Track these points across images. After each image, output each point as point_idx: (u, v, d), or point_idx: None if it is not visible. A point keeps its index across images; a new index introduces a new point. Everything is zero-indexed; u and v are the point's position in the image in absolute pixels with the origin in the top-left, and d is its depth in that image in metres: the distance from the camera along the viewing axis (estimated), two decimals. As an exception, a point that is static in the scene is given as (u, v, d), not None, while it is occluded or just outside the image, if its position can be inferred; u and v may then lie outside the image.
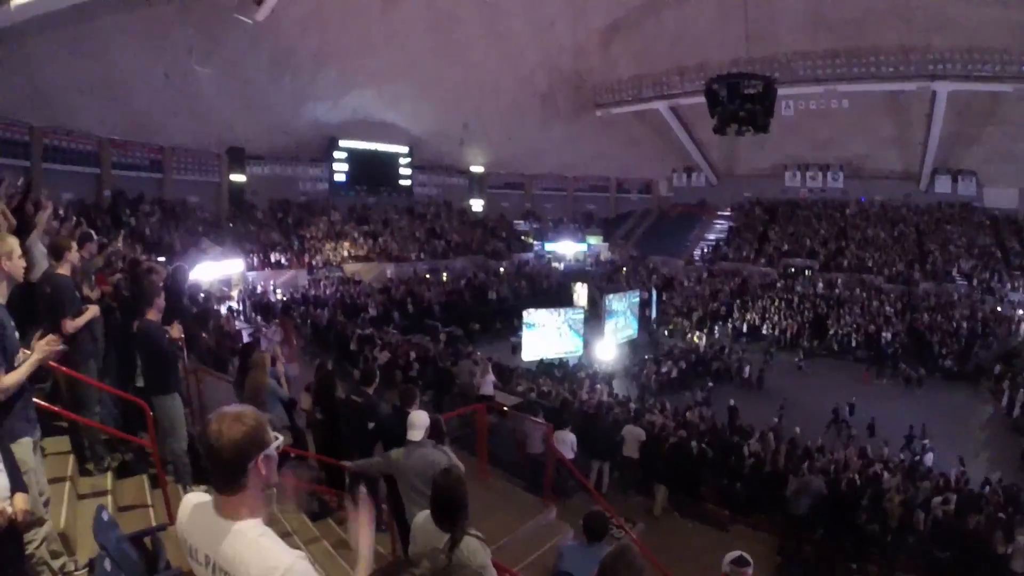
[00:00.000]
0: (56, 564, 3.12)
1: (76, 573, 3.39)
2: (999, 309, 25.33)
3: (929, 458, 15.04)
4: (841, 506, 9.73)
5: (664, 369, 22.35)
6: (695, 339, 27.12)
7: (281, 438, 1.83)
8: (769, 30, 27.03)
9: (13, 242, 3.27)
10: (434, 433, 4.96)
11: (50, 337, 3.20)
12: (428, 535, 3.18)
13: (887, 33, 26.28)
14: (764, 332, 27.38)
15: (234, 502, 1.72)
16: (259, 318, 21.33)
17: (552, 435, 9.10)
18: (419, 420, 4.64)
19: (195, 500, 1.87)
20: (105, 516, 3.26)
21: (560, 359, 22.74)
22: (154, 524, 4.10)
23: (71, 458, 4.43)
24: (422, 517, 3.29)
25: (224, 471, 1.69)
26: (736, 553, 3.83)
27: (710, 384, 21.29)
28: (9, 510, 2.45)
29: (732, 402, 17.59)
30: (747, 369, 22.87)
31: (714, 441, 12.33)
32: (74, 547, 3.64)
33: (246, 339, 13.59)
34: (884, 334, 25.00)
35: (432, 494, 3.21)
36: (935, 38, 25.30)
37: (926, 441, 16.04)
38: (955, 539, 9.08)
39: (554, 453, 8.74)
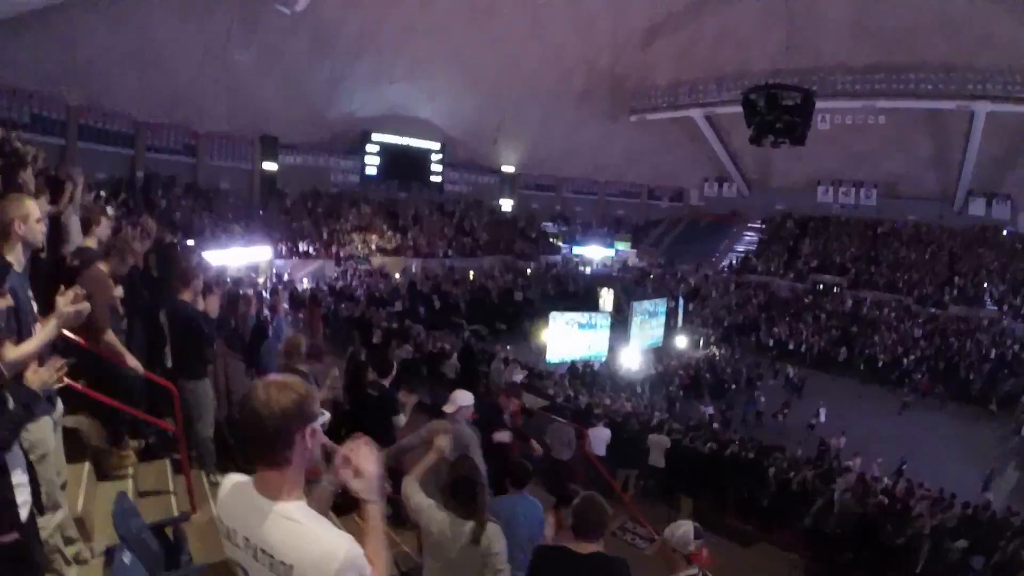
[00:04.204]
0: (70, 552, 2.91)
1: (91, 561, 3.18)
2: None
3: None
4: (872, 526, 9.36)
5: (679, 381, 22.08)
6: (713, 351, 26.75)
7: (327, 415, 1.63)
8: (811, 39, 26.40)
9: (31, 205, 2.99)
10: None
11: (75, 290, 2.74)
12: (448, 524, 3.03)
13: (930, 49, 25.50)
14: (791, 348, 26.75)
15: (275, 479, 1.57)
16: (286, 306, 21.27)
17: (586, 438, 8.83)
18: (460, 397, 4.40)
19: (235, 479, 1.71)
20: (127, 504, 3.05)
21: (585, 362, 22.49)
22: (176, 513, 3.90)
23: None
24: (433, 507, 3.12)
25: (269, 442, 1.53)
26: (687, 523, 3.12)
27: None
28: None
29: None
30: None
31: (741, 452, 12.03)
32: (91, 532, 3.44)
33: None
34: (909, 357, 24.21)
35: (451, 480, 3.09)
36: (979, 57, 24.54)
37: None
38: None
39: (587, 457, 8.49)
